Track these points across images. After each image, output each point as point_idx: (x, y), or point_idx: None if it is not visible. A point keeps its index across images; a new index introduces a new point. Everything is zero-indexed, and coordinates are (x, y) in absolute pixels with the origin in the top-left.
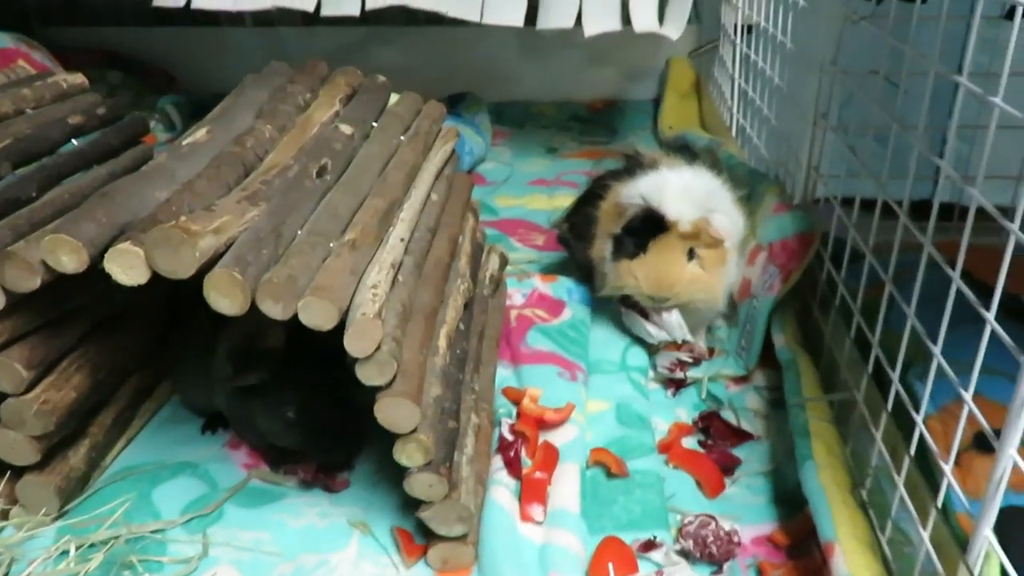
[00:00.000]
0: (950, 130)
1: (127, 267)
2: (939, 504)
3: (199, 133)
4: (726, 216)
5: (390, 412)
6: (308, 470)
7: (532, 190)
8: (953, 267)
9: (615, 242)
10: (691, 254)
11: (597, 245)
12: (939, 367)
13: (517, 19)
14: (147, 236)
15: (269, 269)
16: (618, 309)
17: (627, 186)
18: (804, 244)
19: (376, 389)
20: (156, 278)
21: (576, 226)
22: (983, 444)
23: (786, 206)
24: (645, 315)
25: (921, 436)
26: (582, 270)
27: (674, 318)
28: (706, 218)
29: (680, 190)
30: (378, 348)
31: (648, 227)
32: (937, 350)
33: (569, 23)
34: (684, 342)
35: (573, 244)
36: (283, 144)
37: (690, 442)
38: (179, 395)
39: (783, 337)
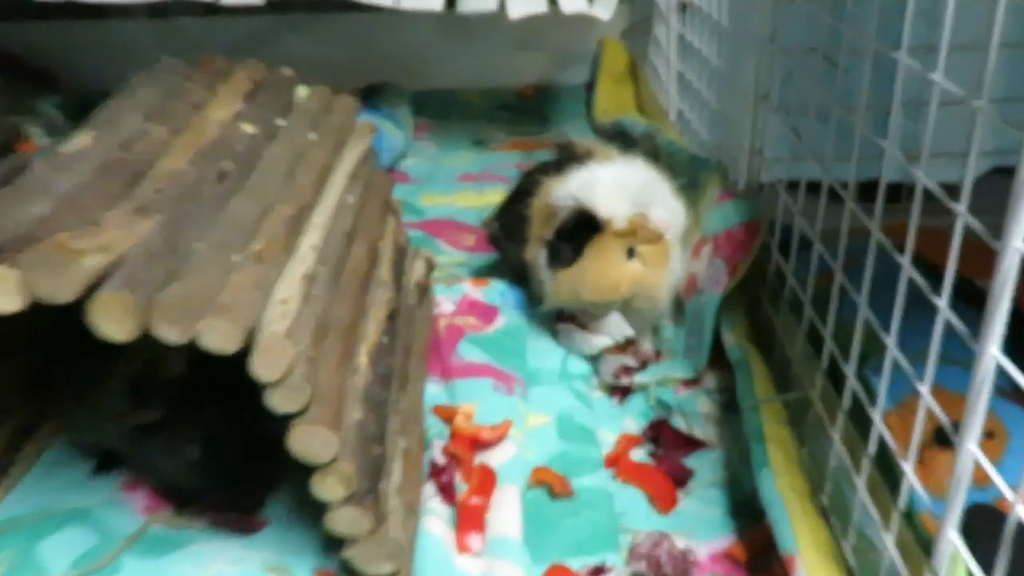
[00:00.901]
0: (893, 108)
1: (1, 293)
2: (901, 505)
3: (81, 139)
4: (664, 209)
5: (305, 442)
6: (217, 512)
7: (459, 187)
8: (902, 251)
9: (549, 250)
10: (631, 252)
11: (531, 247)
12: (895, 359)
13: (435, 3)
14: (23, 257)
15: (164, 289)
16: (554, 322)
17: (559, 182)
18: (750, 234)
19: (289, 417)
20: (36, 304)
21: (507, 225)
22: (944, 439)
23: (730, 194)
24: (581, 325)
25: (880, 434)
26: (516, 272)
27: (613, 318)
28: (642, 213)
29: (612, 185)
30: (289, 371)
31: (582, 229)
32: (892, 341)
33: (492, 5)
34: (628, 342)
35: (505, 245)
36: (177, 148)
37: (639, 454)
38: (67, 434)
39: (733, 335)
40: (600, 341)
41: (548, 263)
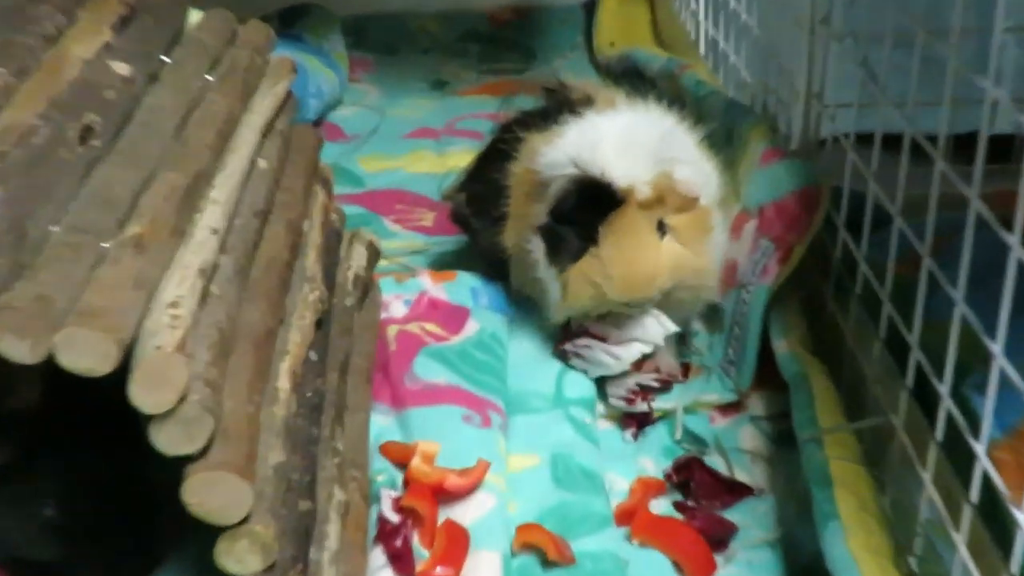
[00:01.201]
0: (995, 30)
1: None
2: (1015, 571)
3: None
4: (691, 165)
5: (206, 495)
6: None
7: (413, 145)
8: (1011, 228)
9: (547, 239)
10: (661, 228)
11: (511, 227)
12: (1003, 373)
13: None
14: None
15: (7, 289)
16: (550, 332)
17: (548, 139)
18: (807, 205)
19: (184, 460)
20: None
21: (477, 198)
22: None
23: (779, 153)
24: (598, 337)
25: (986, 473)
26: (491, 261)
27: (649, 318)
28: (666, 172)
29: (621, 141)
30: (182, 398)
31: (590, 206)
32: (998, 348)
33: None
34: (651, 355)
35: (474, 224)
36: (23, 96)
37: (662, 505)
38: None
39: (786, 342)
40: (633, 351)
41: (548, 258)
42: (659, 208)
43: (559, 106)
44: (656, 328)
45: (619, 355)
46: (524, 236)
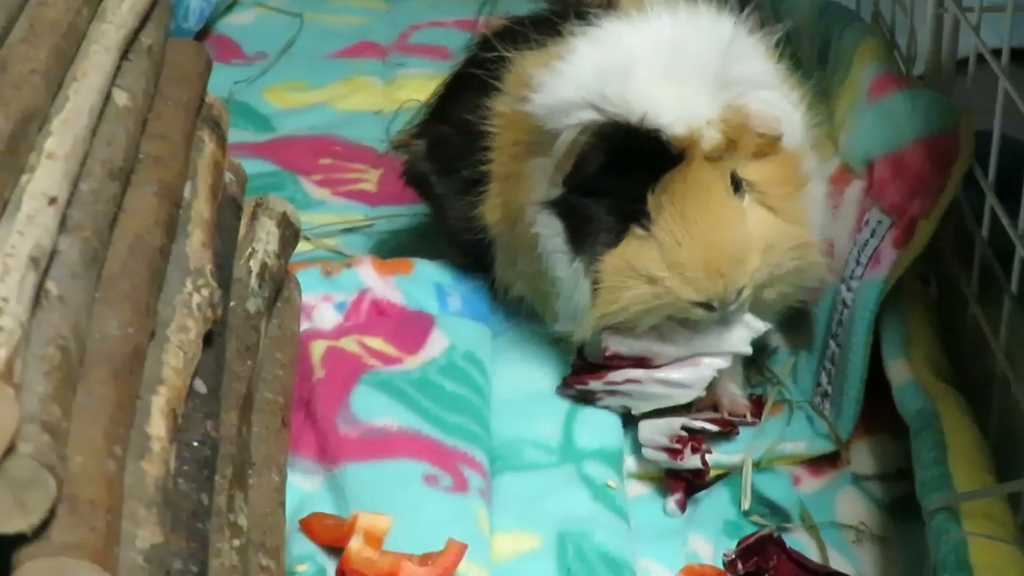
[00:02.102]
0: None
1: None
2: None
3: None
4: (767, 89)
5: None
6: None
7: (345, 68)
8: None
9: (564, 217)
10: (736, 185)
11: (495, 195)
12: None
13: None
14: None
15: None
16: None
17: (545, 60)
18: (940, 160)
19: (12, 541)
20: None
21: (443, 148)
22: None
23: (898, 80)
24: (639, 362)
25: None
26: (463, 244)
27: (737, 324)
28: (734, 103)
29: (664, 61)
30: (10, 450)
31: (629, 166)
32: None
33: None
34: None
35: (438, 187)
36: None
37: None
38: None
39: (908, 364)
40: (705, 371)
41: (570, 244)
42: (731, 157)
43: (563, 9)
44: (740, 332)
45: (684, 381)
46: (521, 211)
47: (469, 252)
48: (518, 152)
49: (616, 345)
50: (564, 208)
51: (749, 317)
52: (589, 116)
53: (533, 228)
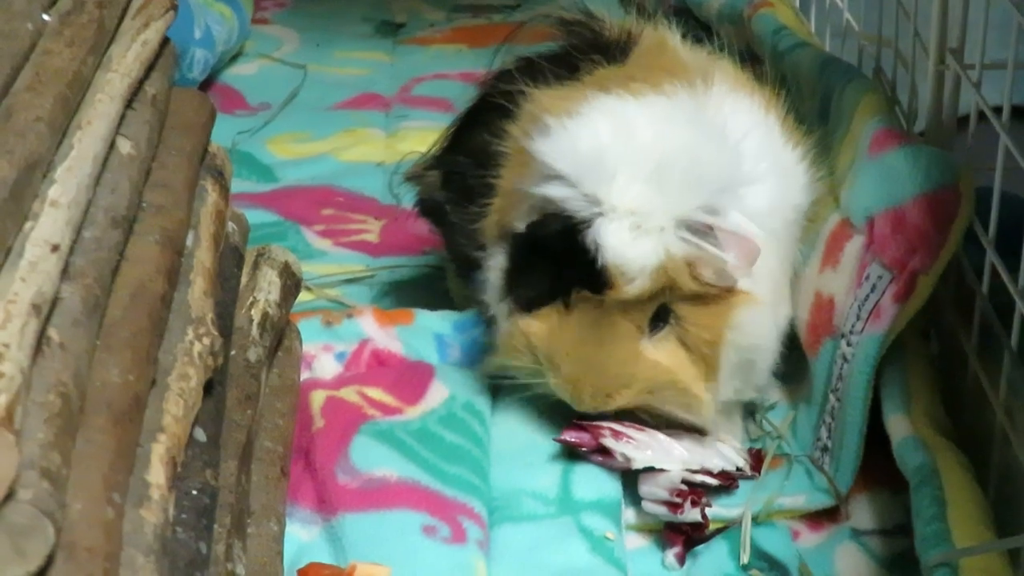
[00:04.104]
0: None
1: None
2: None
3: None
4: (763, 195)
5: None
6: None
7: (348, 119)
8: None
9: (513, 255)
10: (661, 316)
11: (498, 210)
12: None
13: None
14: None
15: None
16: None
17: (565, 97)
18: (940, 215)
19: None
20: None
21: (459, 176)
22: None
23: (898, 136)
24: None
25: None
26: (471, 271)
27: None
28: (693, 251)
29: (651, 171)
30: (9, 496)
31: (569, 256)
32: None
33: None
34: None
35: (452, 215)
36: None
37: None
38: None
39: (907, 419)
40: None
41: (504, 283)
42: (663, 295)
43: (582, 44)
44: (713, 455)
45: (628, 455)
46: (493, 246)
47: (469, 275)
48: (521, 173)
49: None
50: (515, 247)
51: (727, 449)
52: (559, 192)
53: (490, 251)
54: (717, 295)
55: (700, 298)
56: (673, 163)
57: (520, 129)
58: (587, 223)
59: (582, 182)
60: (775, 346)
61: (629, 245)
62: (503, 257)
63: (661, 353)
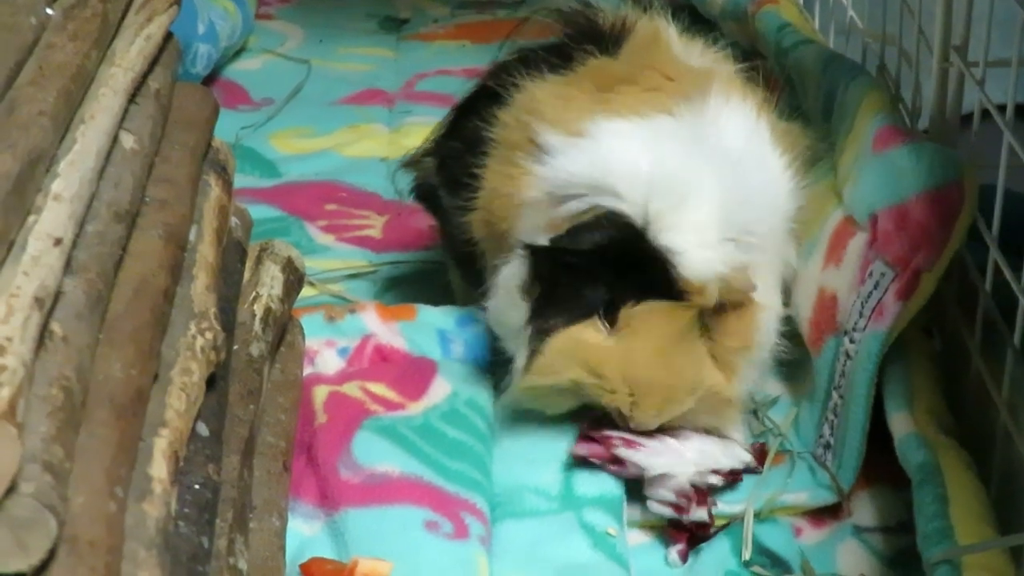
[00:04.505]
0: None
1: None
2: None
3: None
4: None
5: None
6: None
7: (352, 115)
8: None
9: (534, 269)
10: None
11: (484, 204)
12: None
13: None
14: None
15: None
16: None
17: (559, 92)
18: (943, 213)
19: None
20: None
21: (454, 160)
22: None
23: (902, 134)
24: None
25: None
26: (463, 259)
27: (699, 445)
28: (743, 262)
29: (711, 194)
30: (11, 490)
31: (627, 267)
32: None
33: None
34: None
35: (446, 199)
36: None
37: None
38: None
39: (910, 416)
40: (669, 466)
41: (527, 302)
42: (709, 311)
43: (577, 34)
44: (719, 453)
45: (651, 461)
46: (504, 235)
47: (469, 270)
48: (510, 161)
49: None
50: (540, 261)
51: (734, 447)
52: (606, 202)
53: (502, 267)
54: (738, 305)
55: (722, 309)
56: (713, 186)
57: (511, 117)
58: (649, 237)
59: (644, 199)
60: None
61: (703, 254)
62: (522, 270)
63: (700, 360)
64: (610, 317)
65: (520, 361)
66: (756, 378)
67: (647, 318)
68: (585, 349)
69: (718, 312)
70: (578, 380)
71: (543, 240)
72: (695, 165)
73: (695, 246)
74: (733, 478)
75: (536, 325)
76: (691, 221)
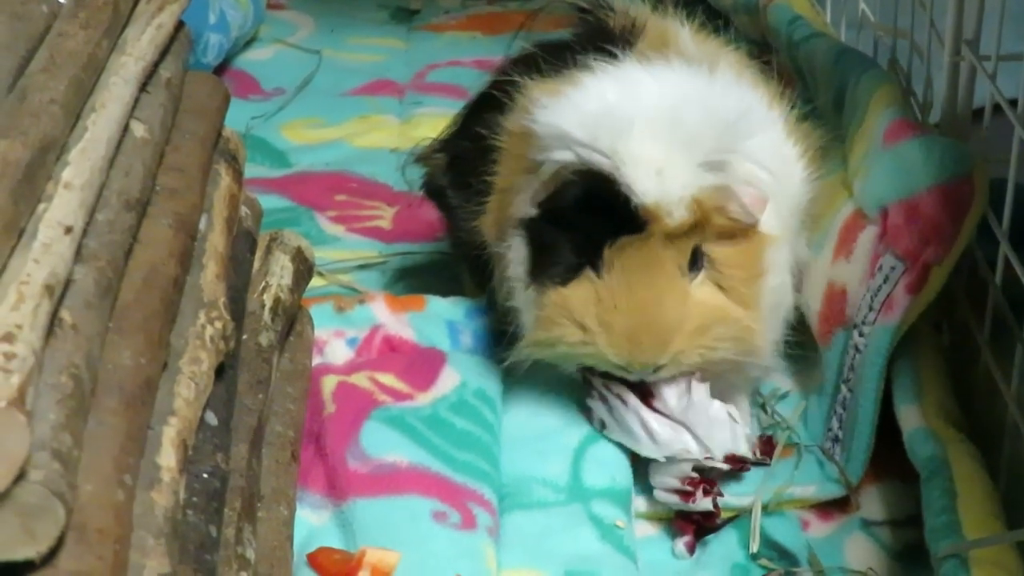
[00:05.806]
0: None
1: None
2: None
3: None
4: (764, 164)
5: None
6: None
7: (362, 106)
8: None
9: (531, 239)
10: (695, 261)
11: (494, 208)
12: None
13: None
14: None
15: None
16: (565, 385)
17: (555, 89)
18: (954, 207)
19: (20, 569)
20: None
21: (462, 161)
22: None
23: (913, 127)
24: (643, 395)
25: None
26: (470, 257)
27: (715, 411)
28: (720, 184)
29: (661, 124)
30: (20, 477)
31: (598, 213)
32: None
33: None
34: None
35: (453, 198)
36: None
37: None
38: None
39: (918, 410)
40: (676, 444)
41: (528, 268)
42: (697, 235)
43: (584, 38)
44: (726, 429)
45: (658, 436)
46: (507, 227)
47: (476, 268)
48: (518, 167)
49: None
50: (532, 231)
51: (742, 423)
52: (575, 154)
53: (508, 248)
54: (745, 235)
55: (730, 238)
56: (684, 114)
57: (517, 118)
58: (612, 176)
59: (597, 140)
60: (790, 300)
61: (660, 182)
62: (521, 244)
63: (704, 295)
64: (596, 266)
65: (528, 324)
66: (774, 325)
67: (620, 255)
68: (574, 301)
69: (723, 242)
70: (569, 339)
71: (532, 211)
72: (641, 94)
73: (646, 173)
74: (737, 464)
75: (536, 291)
76: (639, 149)
